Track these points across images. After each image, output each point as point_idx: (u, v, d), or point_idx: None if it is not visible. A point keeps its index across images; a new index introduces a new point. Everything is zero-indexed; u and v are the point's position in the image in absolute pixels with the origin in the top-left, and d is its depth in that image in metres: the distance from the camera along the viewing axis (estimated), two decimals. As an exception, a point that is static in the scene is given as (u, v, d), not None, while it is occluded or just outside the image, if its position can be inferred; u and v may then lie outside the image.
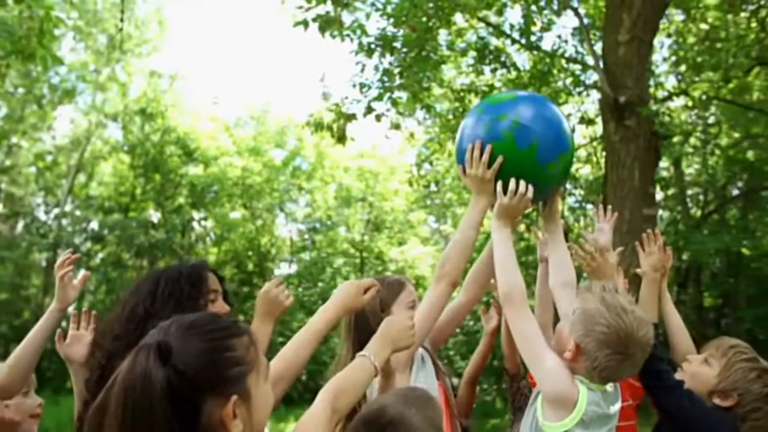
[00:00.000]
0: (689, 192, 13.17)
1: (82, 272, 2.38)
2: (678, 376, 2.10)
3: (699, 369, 2.09)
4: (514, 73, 9.49)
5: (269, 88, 35.33)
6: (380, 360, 1.71)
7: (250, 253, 17.90)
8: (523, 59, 9.88)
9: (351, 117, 8.90)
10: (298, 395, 13.41)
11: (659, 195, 11.25)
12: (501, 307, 2.81)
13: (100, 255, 17.42)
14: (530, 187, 2.01)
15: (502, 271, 1.94)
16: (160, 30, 18.50)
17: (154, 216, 17.43)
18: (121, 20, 8.05)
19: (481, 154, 2.04)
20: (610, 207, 2.53)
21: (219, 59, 33.26)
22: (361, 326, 2.26)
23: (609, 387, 1.81)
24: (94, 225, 17.49)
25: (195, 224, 18.10)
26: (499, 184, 2.03)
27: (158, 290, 2.00)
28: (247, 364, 1.23)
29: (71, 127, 18.28)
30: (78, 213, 17.90)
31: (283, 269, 18.46)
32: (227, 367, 1.20)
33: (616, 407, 1.82)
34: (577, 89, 9.30)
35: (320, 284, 16.31)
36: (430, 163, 11.32)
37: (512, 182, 2.01)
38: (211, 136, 17.80)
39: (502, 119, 2.03)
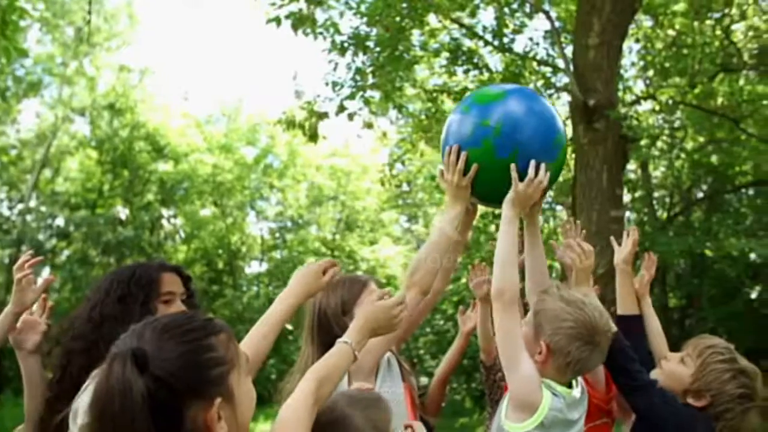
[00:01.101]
0: (656, 194, 13.42)
1: (45, 274, 2.31)
2: (655, 373, 2.13)
3: (675, 368, 2.11)
4: (486, 75, 9.55)
5: (241, 85, 35.05)
6: (360, 347, 1.67)
7: (220, 251, 17.73)
8: (495, 61, 9.96)
9: (323, 115, 8.87)
10: (268, 395, 13.34)
11: (627, 197, 11.45)
12: (479, 303, 2.84)
13: (66, 252, 17.09)
14: (547, 174, 1.95)
15: (502, 266, 1.91)
16: (130, 24, 18.19)
17: (122, 213, 17.15)
18: (89, 13, 7.90)
19: (458, 160, 2.00)
20: (579, 222, 2.52)
21: (190, 55, 32.88)
22: (324, 330, 2.21)
23: (576, 392, 1.85)
24: (59, 221, 17.12)
25: (164, 221, 17.85)
26: (513, 167, 1.94)
27: (111, 292, 1.97)
28: (228, 362, 1.19)
29: (37, 121, 17.87)
30: (43, 209, 17.50)
31: (254, 268, 18.33)
32: (208, 368, 1.16)
33: (580, 412, 1.85)
34: (548, 92, 9.40)
35: (291, 283, 16.23)
36: (403, 163, 11.34)
37: (531, 166, 1.94)
38: (182, 133, 17.58)
39: (485, 125, 1.97)
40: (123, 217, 16.96)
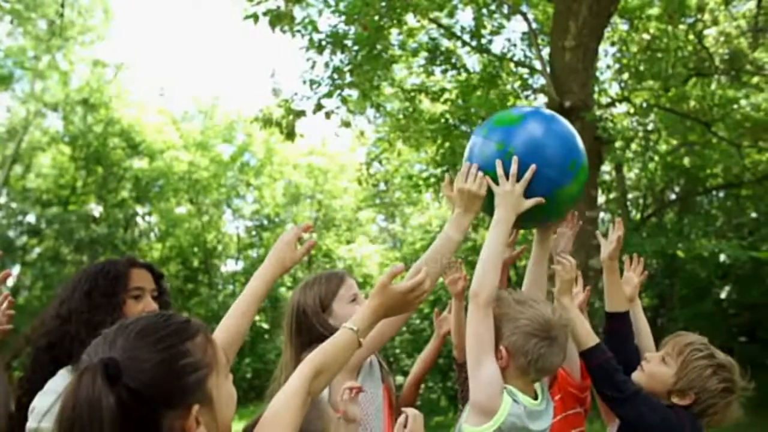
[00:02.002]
0: (630, 196, 13.60)
1: (15, 272, 2.27)
2: (637, 374, 2.14)
3: (657, 369, 2.12)
4: (464, 75, 9.61)
5: (218, 82, 34.75)
6: (366, 334, 1.58)
7: (195, 249, 17.58)
8: (473, 61, 10.01)
9: (300, 113, 8.84)
10: (242, 394, 13.24)
11: (601, 198, 11.60)
12: (454, 301, 2.85)
13: (37, 250, 16.79)
14: (531, 171, 1.95)
15: (483, 267, 1.91)
16: (104, 18, 17.91)
17: (96, 210, 16.89)
18: (62, 6, 7.77)
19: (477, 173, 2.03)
20: (576, 213, 2.50)
21: (166, 50, 32.51)
22: (304, 328, 2.19)
23: (540, 404, 1.86)
24: (30, 218, 16.82)
25: (139, 219, 17.65)
26: (498, 163, 1.97)
27: (78, 287, 1.94)
28: (206, 367, 1.14)
29: (7, 115, 17.52)
30: (14, 205, 17.17)
31: (230, 266, 18.20)
32: (185, 375, 1.10)
33: (543, 426, 1.85)
34: (525, 93, 9.48)
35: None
36: (380, 162, 11.36)
37: (514, 162, 1.95)
38: (157, 129, 17.38)
39: (500, 148, 2.00)
40: (96, 214, 16.71)
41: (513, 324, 1.84)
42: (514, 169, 1.96)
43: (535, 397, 1.86)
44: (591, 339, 2.15)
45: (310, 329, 2.16)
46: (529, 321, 1.82)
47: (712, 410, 2.04)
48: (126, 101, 17.70)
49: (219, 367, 1.17)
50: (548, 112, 2.22)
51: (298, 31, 8.11)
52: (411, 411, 1.80)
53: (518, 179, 1.97)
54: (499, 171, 1.97)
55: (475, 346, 1.86)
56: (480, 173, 2.03)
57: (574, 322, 2.14)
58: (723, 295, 12.05)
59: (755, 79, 9.67)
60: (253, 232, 18.19)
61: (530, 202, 1.96)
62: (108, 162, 16.78)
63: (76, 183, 17.11)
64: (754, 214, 12.76)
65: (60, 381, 1.74)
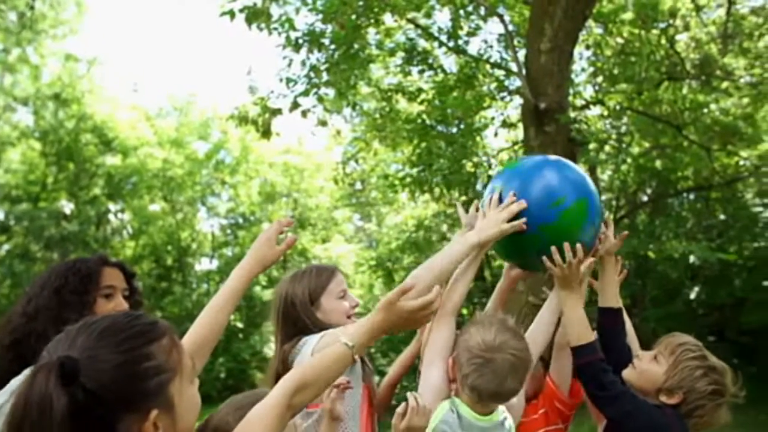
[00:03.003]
0: (603, 197, 13.78)
1: None
2: (627, 372, 2.15)
3: (648, 367, 2.13)
4: (441, 76, 9.63)
5: (193, 79, 34.41)
6: (362, 350, 1.52)
7: (169, 247, 17.41)
8: (450, 62, 10.06)
9: (276, 112, 8.80)
10: (217, 393, 13.12)
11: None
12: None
13: (6, 247, 16.46)
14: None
15: (453, 280, 2.03)
16: (77, 11, 17.61)
17: (67, 207, 16.62)
18: (34, -1, 7.61)
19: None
20: (610, 216, 2.55)
21: (141, 46, 32.09)
22: (290, 320, 2.19)
23: (491, 423, 1.86)
24: (-1, 214, 16.50)
25: (111, 216, 17.40)
26: (489, 196, 2.11)
27: (47, 284, 1.91)
28: (169, 371, 1.10)
29: (-24, 109, 17.14)
30: (-18, 201, 16.83)
31: (204, 265, 18.05)
32: (145, 379, 1.07)
33: None
34: (501, 94, 9.54)
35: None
36: (356, 162, 11.35)
37: (508, 198, 2.07)
38: (131, 126, 17.15)
39: (498, 188, 2.15)
40: (67, 211, 16.44)
41: (462, 338, 1.90)
42: (508, 201, 2.07)
43: (488, 414, 1.87)
44: (584, 337, 2.14)
45: (297, 321, 2.17)
46: (471, 338, 1.86)
47: (699, 411, 2.04)
48: (99, 97, 17.43)
49: (183, 372, 1.14)
50: (556, 158, 2.29)
51: (275, 28, 8.06)
52: (412, 396, 1.80)
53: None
54: (486, 200, 2.11)
55: (429, 350, 1.95)
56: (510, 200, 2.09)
57: (569, 314, 2.15)
58: (692, 296, 12.27)
59: (724, 84, 9.86)
60: (228, 231, 18.07)
61: (507, 226, 2.03)
62: (80, 158, 16.52)
63: (46, 179, 16.81)
64: (722, 216, 13.02)
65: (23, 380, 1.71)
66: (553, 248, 2.06)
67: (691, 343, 2.13)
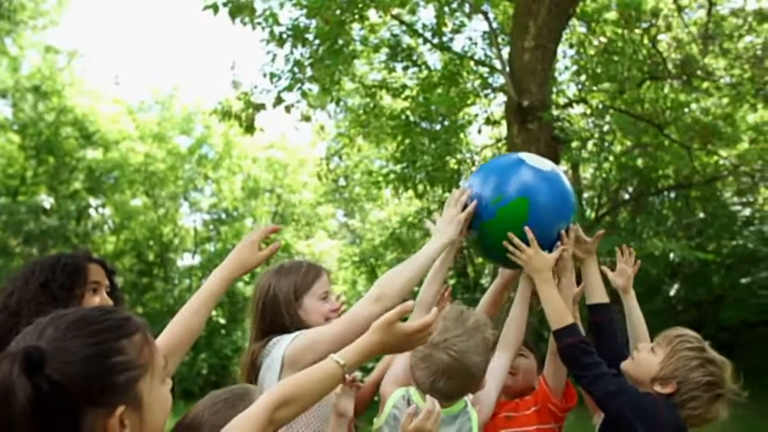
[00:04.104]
0: (585, 195, 13.89)
1: None
2: (626, 363, 2.15)
3: (645, 357, 2.12)
4: (425, 72, 9.64)
5: (176, 72, 34.11)
6: (353, 369, 1.45)
7: (151, 242, 17.28)
8: (434, 59, 10.06)
9: (260, 107, 8.76)
10: (198, 390, 13.05)
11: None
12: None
13: (-17, 241, 16.23)
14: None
15: (427, 280, 2.12)
16: (58, 2, 17.37)
17: (47, 201, 16.41)
18: (13, -10, 7.49)
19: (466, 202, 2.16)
20: (631, 250, 2.62)
21: (122, 38, 31.74)
22: (271, 314, 2.15)
23: (447, 415, 1.87)
24: (-24, 209, 16.24)
25: (92, 211, 17.22)
26: (453, 194, 2.18)
27: (32, 279, 1.88)
28: (139, 367, 1.07)
29: (-47, 101, 16.86)
30: (-41, 195, 16.56)
31: (186, 260, 17.93)
32: (113, 374, 1.04)
33: None
34: (485, 91, 9.57)
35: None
36: (340, 157, 11.33)
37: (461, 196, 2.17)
38: (113, 119, 16.97)
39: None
40: (47, 205, 16.23)
41: None
42: (456, 196, 2.17)
43: (443, 406, 1.86)
44: (563, 320, 2.15)
45: (277, 316, 2.13)
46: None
47: (693, 403, 2.01)
48: (80, 90, 17.22)
49: (154, 370, 1.11)
50: (525, 157, 2.35)
51: (259, 23, 8.01)
52: (430, 401, 1.78)
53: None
54: (451, 199, 2.17)
55: None
56: (464, 198, 2.16)
57: (546, 300, 2.17)
58: (672, 293, 12.44)
59: (705, 84, 9.98)
60: (211, 226, 17.98)
61: (462, 216, 2.13)
62: (60, 152, 16.32)
63: (26, 173, 16.59)
64: (701, 215, 13.20)
65: None
66: (510, 234, 2.12)
67: (690, 335, 2.13)
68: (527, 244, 2.13)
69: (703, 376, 2.02)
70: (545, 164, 2.32)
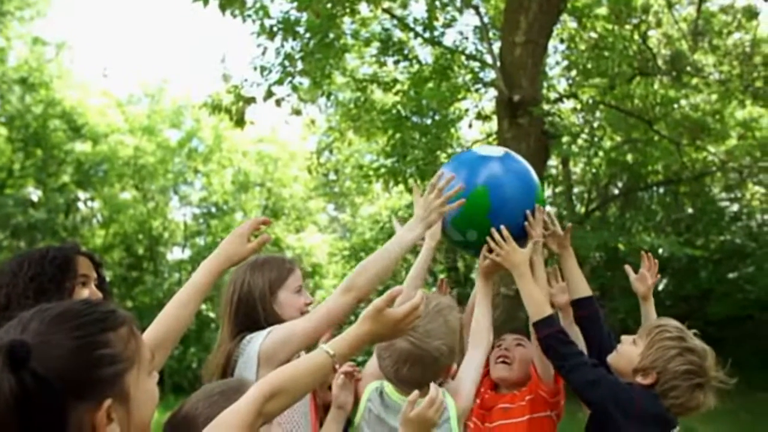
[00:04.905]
0: (575, 190, 13.94)
1: None
2: (611, 356, 2.18)
3: (627, 348, 2.14)
4: (416, 67, 9.63)
5: (165, 65, 33.87)
6: (345, 360, 1.43)
7: (140, 236, 17.16)
8: (425, 53, 10.05)
9: (250, 100, 8.72)
10: (188, 384, 13.02)
11: (547, 192, 11.85)
12: None
13: (-30, 234, 16.09)
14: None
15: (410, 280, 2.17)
16: (45, -6, 17.18)
17: (34, 194, 16.26)
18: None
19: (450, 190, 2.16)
20: (652, 257, 2.64)
21: (111, 30, 31.47)
22: (245, 310, 2.14)
23: (399, 399, 1.88)
24: (-38, 201, 16.07)
25: (80, 204, 17.08)
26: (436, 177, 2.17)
27: (21, 272, 1.86)
28: (125, 360, 1.06)
29: (-62, 93, 16.65)
30: (-56, 188, 16.38)
31: (176, 254, 17.85)
32: (99, 367, 1.02)
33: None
34: (476, 86, 9.57)
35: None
36: (330, 152, 11.31)
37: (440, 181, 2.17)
38: (101, 112, 16.82)
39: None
40: (35, 198, 16.09)
41: None
42: (435, 181, 2.15)
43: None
44: (540, 312, 2.17)
45: (251, 311, 2.12)
46: None
47: (674, 393, 2.02)
48: (68, 82, 17.04)
49: (141, 363, 1.10)
50: (494, 151, 2.44)
51: (249, 15, 7.97)
52: (434, 390, 1.75)
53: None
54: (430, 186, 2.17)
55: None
56: (445, 180, 2.15)
57: (524, 293, 2.19)
58: (660, 287, 12.52)
59: (694, 80, 10.03)
60: (201, 220, 17.88)
61: (438, 203, 2.12)
62: (48, 144, 16.16)
63: (13, 165, 16.42)
64: (690, 210, 13.29)
65: None
66: (492, 230, 2.18)
67: (670, 325, 2.14)
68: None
69: (682, 365, 2.03)
70: (496, 150, 2.42)
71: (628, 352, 2.13)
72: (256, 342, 2.01)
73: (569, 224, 2.45)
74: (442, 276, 2.89)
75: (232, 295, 2.18)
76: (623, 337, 2.22)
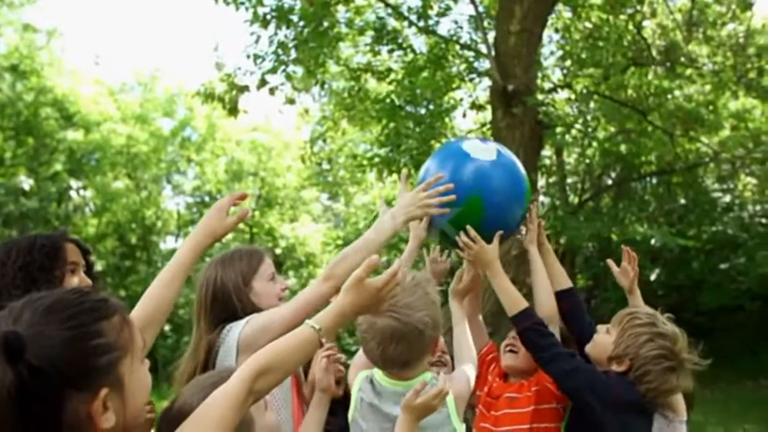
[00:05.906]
0: (568, 180, 13.96)
1: None
2: (588, 346, 2.23)
3: (601, 338, 2.20)
4: (410, 56, 9.60)
5: (158, 53, 33.61)
6: (330, 335, 1.43)
7: (133, 225, 17.12)
8: (419, 42, 10.01)
9: (243, 89, 8.68)
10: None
11: (541, 181, 11.86)
12: None
13: (-39, 223, 15.99)
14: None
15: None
16: (36, -20, 16.99)
17: (26, 183, 16.16)
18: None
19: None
20: (631, 252, 2.68)
21: (103, 17, 31.20)
22: (221, 304, 2.14)
23: (390, 386, 1.87)
24: (-46, 190, 15.96)
25: (73, 193, 17.00)
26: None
27: (9, 261, 1.85)
28: (119, 349, 1.07)
29: (-72, 80, 16.48)
30: (-65, 176, 16.26)
31: (169, 243, 17.80)
32: (94, 356, 1.03)
33: (394, 410, 1.82)
34: (470, 75, 9.55)
35: (207, 259, 15.88)
36: (324, 141, 11.28)
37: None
38: (93, 100, 16.71)
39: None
40: (27, 187, 15.99)
41: None
42: (431, 180, 2.16)
43: (406, 379, 1.86)
44: (516, 306, 2.21)
45: (227, 305, 2.13)
46: None
47: (648, 377, 2.06)
48: (59, 69, 16.89)
49: (134, 351, 1.11)
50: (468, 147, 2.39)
51: (242, 3, 7.92)
52: (442, 380, 1.76)
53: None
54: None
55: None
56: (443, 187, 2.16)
57: (498, 290, 2.23)
58: (653, 277, 12.59)
59: (688, 71, 10.04)
60: (194, 209, 17.84)
61: (429, 202, 2.13)
62: (40, 133, 16.05)
63: (4, 154, 16.30)
64: (683, 201, 13.33)
65: None
66: (468, 227, 2.19)
67: (641, 313, 2.20)
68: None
69: (653, 350, 2.08)
70: (487, 151, 2.34)
71: (602, 341, 2.18)
72: (236, 330, 2.03)
73: (540, 220, 2.47)
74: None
75: (205, 293, 2.18)
76: (598, 327, 2.27)
